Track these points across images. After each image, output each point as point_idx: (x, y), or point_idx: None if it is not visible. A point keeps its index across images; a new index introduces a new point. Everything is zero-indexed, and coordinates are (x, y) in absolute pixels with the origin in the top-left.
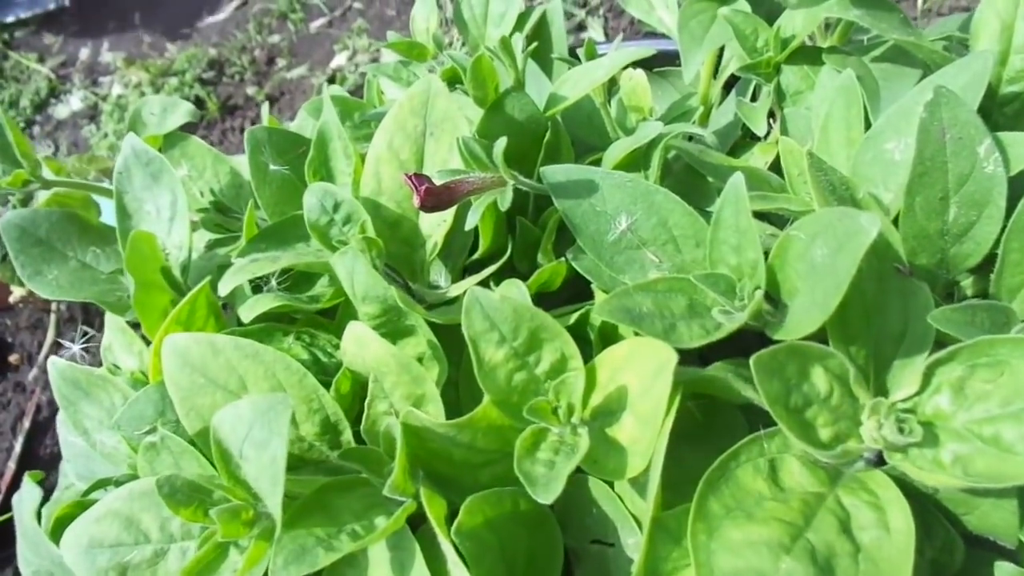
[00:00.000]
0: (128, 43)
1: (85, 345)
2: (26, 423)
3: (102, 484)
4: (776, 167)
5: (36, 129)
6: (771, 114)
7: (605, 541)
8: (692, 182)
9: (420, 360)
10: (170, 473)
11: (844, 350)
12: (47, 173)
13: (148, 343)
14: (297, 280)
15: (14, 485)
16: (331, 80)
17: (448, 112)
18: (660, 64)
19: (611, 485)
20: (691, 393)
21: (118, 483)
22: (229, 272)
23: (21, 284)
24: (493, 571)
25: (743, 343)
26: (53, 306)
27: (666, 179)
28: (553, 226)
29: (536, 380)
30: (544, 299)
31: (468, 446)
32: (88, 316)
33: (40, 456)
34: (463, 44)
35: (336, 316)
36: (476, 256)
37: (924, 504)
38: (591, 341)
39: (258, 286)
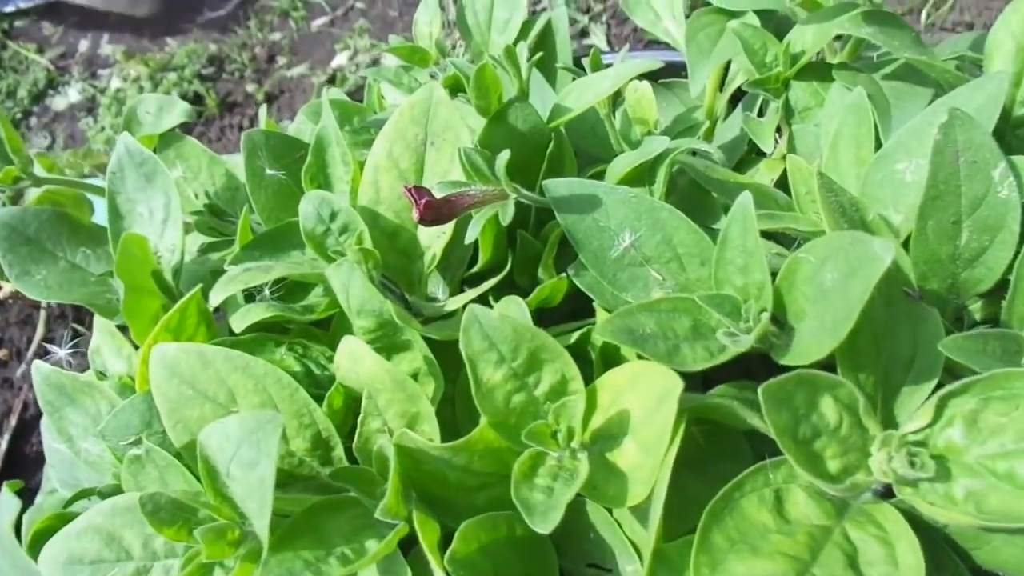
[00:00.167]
0: (128, 36)
1: (72, 350)
2: (12, 421)
3: (85, 494)
4: (782, 184)
5: (33, 120)
6: (777, 130)
7: (603, 566)
8: (697, 198)
9: (415, 376)
10: (154, 491)
11: (853, 377)
12: (38, 170)
13: (137, 347)
14: (291, 289)
15: None
16: (331, 80)
17: (450, 121)
18: (665, 76)
19: (609, 510)
20: (694, 418)
21: (102, 494)
22: (221, 281)
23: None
24: None
25: (746, 364)
26: (43, 302)
27: (670, 195)
28: (555, 241)
29: (535, 402)
30: (544, 315)
31: (464, 468)
32: (79, 313)
33: (26, 454)
34: (466, 49)
35: (330, 327)
36: (476, 269)
37: (933, 538)
38: (592, 361)
39: (251, 294)
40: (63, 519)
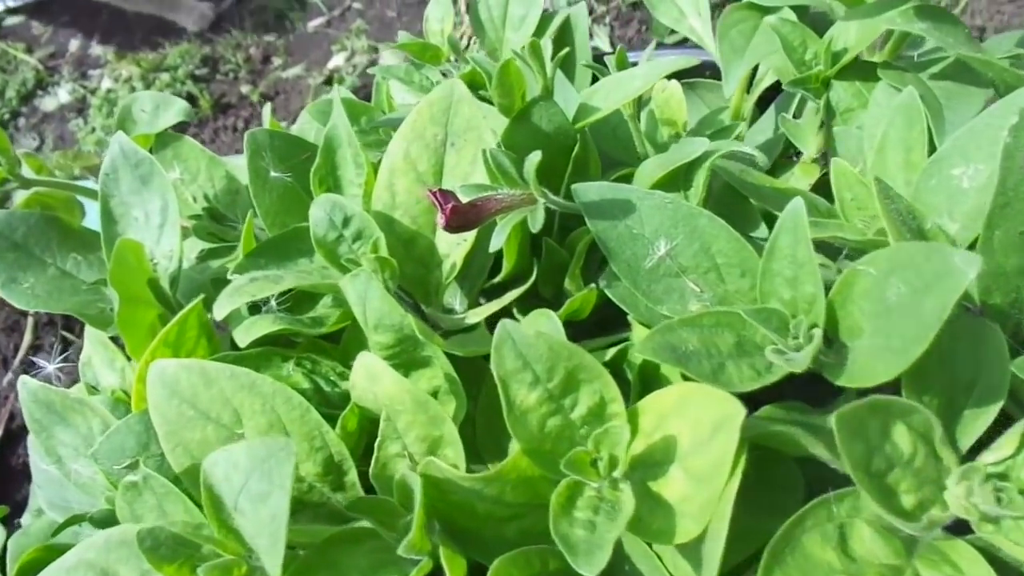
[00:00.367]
0: (119, 36)
1: (61, 363)
2: None
3: (75, 520)
4: (818, 189)
5: (21, 121)
6: None
7: None
8: (733, 204)
9: (435, 394)
10: (153, 523)
11: (918, 401)
12: (27, 171)
13: (131, 359)
14: (298, 299)
15: None
16: (328, 81)
17: (472, 120)
18: (686, 76)
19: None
20: None
21: (94, 520)
22: (225, 293)
23: None
24: None
25: (789, 381)
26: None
27: (706, 201)
28: (583, 249)
29: (571, 426)
30: (570, 328)
31: (495, 499)
32: (68, 320)
33: (12, 467)
34: (479, 47)
35: (341, 341)
36: (498, 279)
37: None
38: (627, 379)
39: (256, 305)
40: (52, 551)
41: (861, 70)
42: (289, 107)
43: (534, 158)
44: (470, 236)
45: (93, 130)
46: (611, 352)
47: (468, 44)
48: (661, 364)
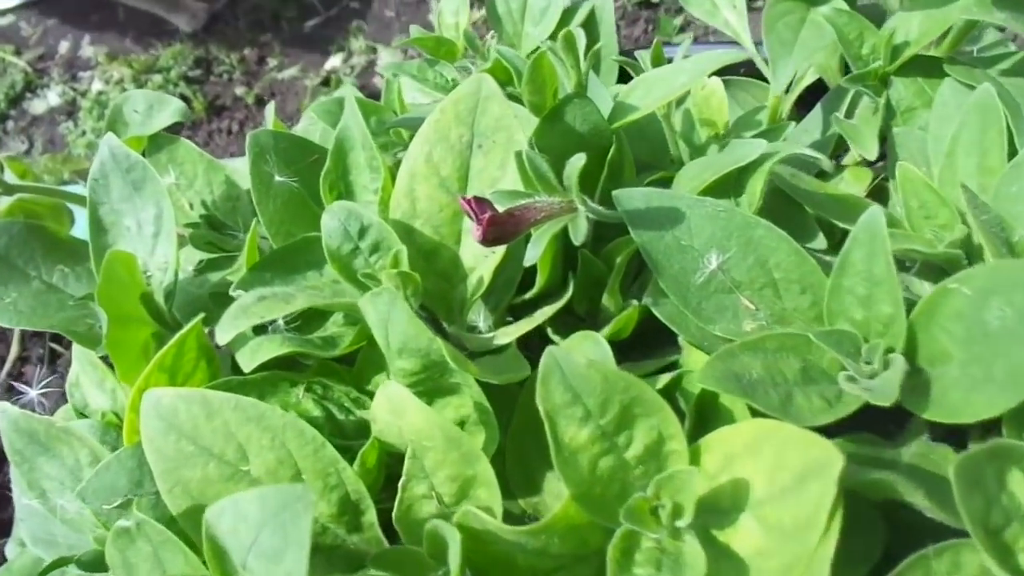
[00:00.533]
0: (111, 37)
1: (45, 389)
2: None
3: (61, 563)
4: (870, 195)
5: (10, 124)
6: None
7: None
8: (786, 213)
9: (462, 424)
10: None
11: (1020, 440)
12: (10, 176)
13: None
14: (307, 316)
15: None
16: (325, 82)
17: (502, 120)
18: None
19: None
20: None
21: (81, 563)
22: (229, 315)
23: None
24: None
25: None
26: None
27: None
28: (623, 262)
29: (625, 467)
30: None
31: (539, 551)
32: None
33: None
34: (497, 41)
35: (356, 362)
36: (531, 294)
37: None
38: (680, 407)
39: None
40: None
41: (924, 66)
42: (285, 109)
43: (576, 162)
44: (500, 248)
45: (84, 133)
46: (663, 379)
47: (485, 39)
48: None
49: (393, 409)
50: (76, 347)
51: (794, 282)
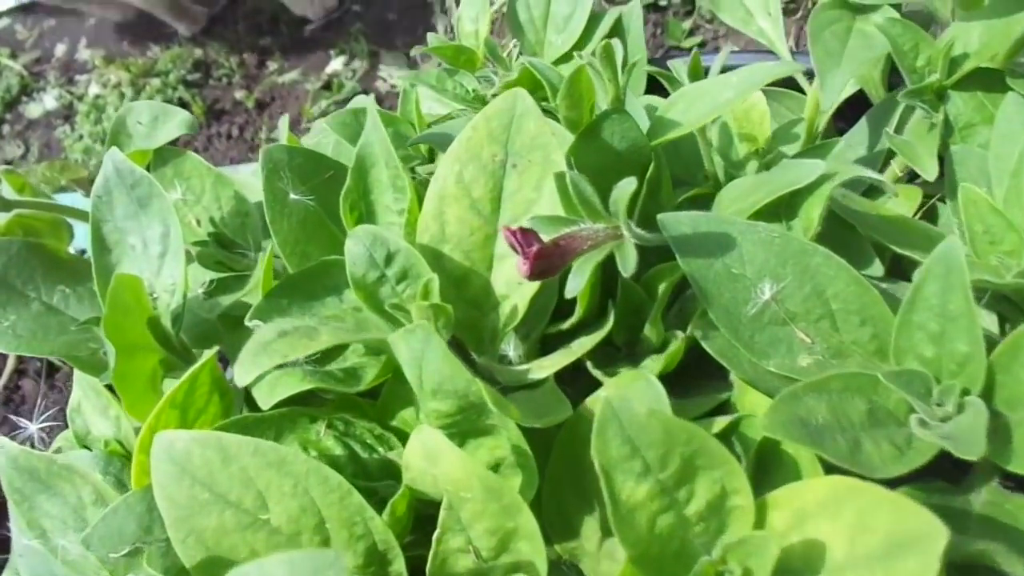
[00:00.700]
0: (108, 40)
1: (45, 424)
2: None
3: None
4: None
5: (6, 128)
6: (892, 153)
7: None
8: (839, 236)
9: (496, 467)
10: None
11: None
12: (7, 191)
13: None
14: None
15: None
16: (326, 87)
17: (539, 139)
18: None
19: None
20: None
21: None
22: (249, 353)
23: None
24: None
25: None
26: None
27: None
28: (666, 291)
29: (685, 524)
30: None
31: None
32: None
33: None
34: (519, 50)
35: (380, 397)
36: (567, 325)
37: None
38: (734, 451)
39: None
40: None
41: (983, 79)
42: (286, 112)
43: (626, 187)
44: None
45: (80, 137)
46: (719, 423)
47: (508, 47)
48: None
49: (428, 456)
50: (78, 372)
51: (853, 313)
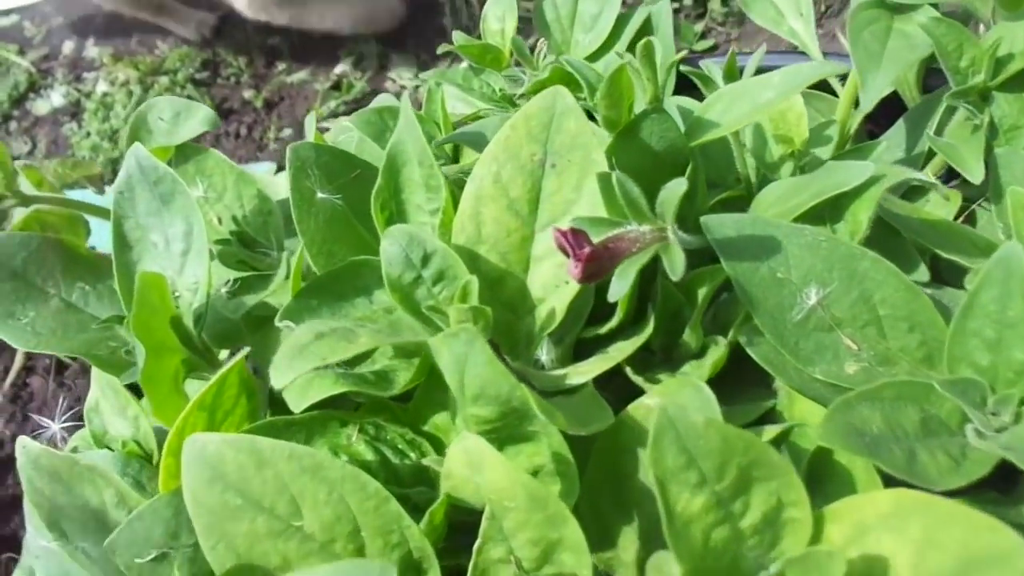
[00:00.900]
0: (116, 38)
1: (68, 423)
2: None
3: None
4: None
5: (13, 125)
6: (931, 153)
7: None
8: (882, 241)
9: (535, 475)
10: None
11: None
12: (25, 186)
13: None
14: None
15: None
16: (335, 86)
17: (579, 138)
18: None
19: None
20: None
21: None
22: (285, 356)
23: None
24: None
25: None
26: None
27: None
28: (707, 295)
29: (739, 537)
30: None
31: None
32: None
33: (1, 497)
34: (547, 49)
35: (412, 400)
36: (605, 329)
37: None
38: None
39: None
40: None
41: None
42: (295, 113)
43: (677, 188)
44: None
45: (88, 135)
46: (768, 432)
47: (539, 48)
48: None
49: (471, 464)
50: (96, 371)
51: (901, 320)
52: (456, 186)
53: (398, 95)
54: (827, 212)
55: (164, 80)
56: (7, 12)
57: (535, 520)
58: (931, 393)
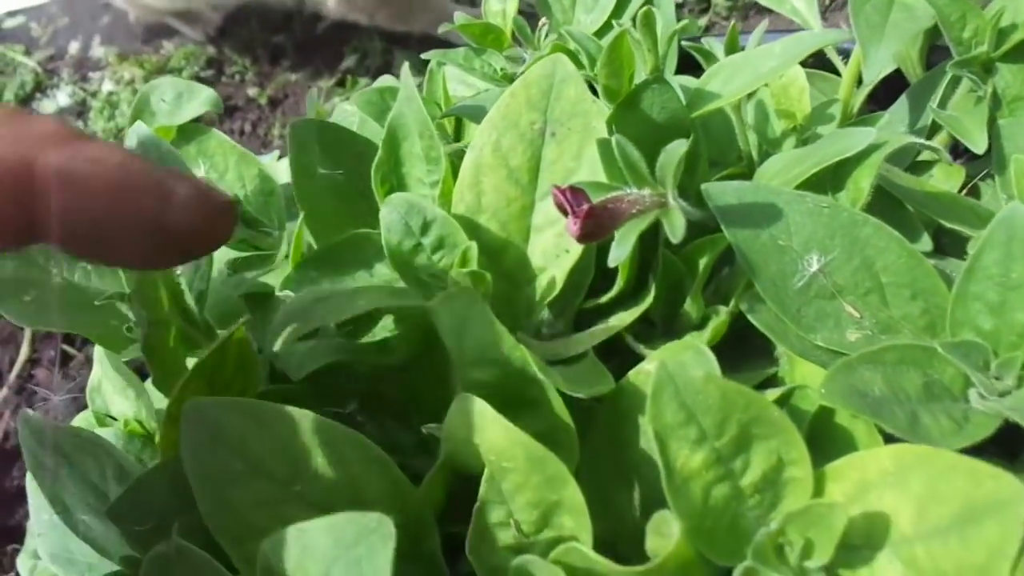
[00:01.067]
0: (121, 37)
1: (69, 395)
2: None
3: None
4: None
5: None
6: (935, 125)
7: None
8: (886, 212)
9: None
10: None
11: None
12: None
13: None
14: (356, 319)
15: None
16: (340, 83)
17: (579, 105)
18: None
19: None
20: None
21: None
22: (286, 317)
23: None
24: None
25: None
26: None
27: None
28: (708, 264)
29: (739, 495)
30: None
31: None
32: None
33: (6, 489)
34: (549, 29)
35: (411, 370)
36: (605, 298)
37: None
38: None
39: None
40: None
41: None
42: (299, 110)
43: (677, 149)
44: (576, 246)
45: (94, 134)
46: (770, 395)
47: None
48: (836, 411)
49: (470, 424)
50: (98, 350)
51: (904, 287)
52: (457, 159)
53: None
54: (829, 180)
55: (169, 78)
56: (13, 13)
57: (534, 482)
58: (933, 357)
